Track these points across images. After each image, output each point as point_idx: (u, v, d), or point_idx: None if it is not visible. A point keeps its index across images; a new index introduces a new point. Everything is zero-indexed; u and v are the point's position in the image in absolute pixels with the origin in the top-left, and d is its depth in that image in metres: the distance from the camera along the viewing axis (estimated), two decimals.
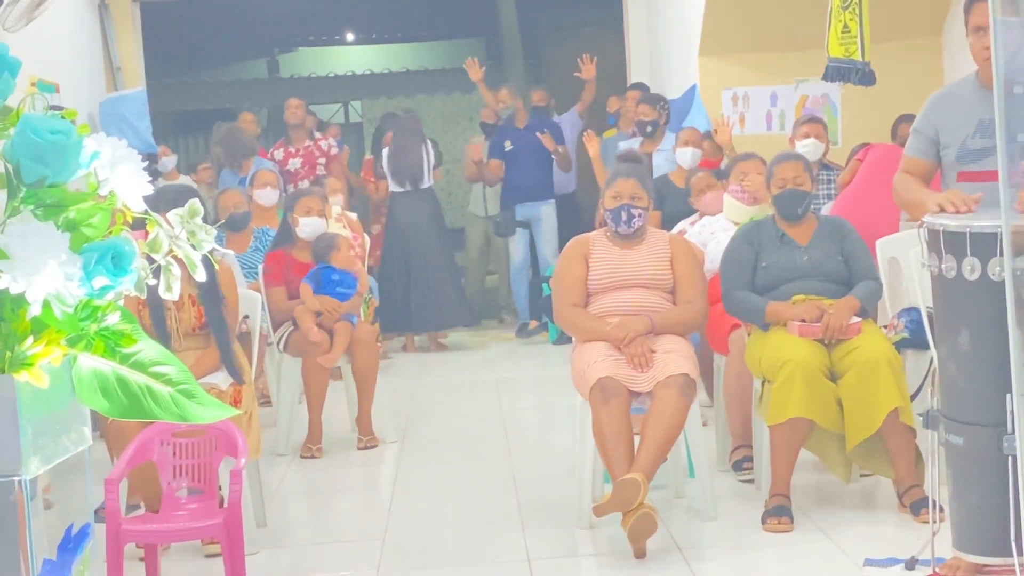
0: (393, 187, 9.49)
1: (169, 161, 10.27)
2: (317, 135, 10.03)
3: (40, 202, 1.73)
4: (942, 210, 4.03)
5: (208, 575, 4.65)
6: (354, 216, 8.62)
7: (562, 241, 6.25)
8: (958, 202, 4.04)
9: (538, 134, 9.77)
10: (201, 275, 1.91)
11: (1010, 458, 3.68)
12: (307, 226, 6.76)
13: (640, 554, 4.55)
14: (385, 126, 10.55)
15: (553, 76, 13.21)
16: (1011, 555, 3.73)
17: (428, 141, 9.64)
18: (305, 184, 9.38)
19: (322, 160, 9.78)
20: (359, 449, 6.59)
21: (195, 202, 1.88)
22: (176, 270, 1.91)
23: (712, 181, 6.75)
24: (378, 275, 9.54)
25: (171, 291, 1.89)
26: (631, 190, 5.18)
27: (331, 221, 8.14)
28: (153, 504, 4.69)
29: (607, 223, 5.27)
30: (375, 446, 6.60)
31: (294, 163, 9.74)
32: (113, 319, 1.79)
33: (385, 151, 9.62)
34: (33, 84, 7.53)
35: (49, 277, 1.68)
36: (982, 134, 4.28)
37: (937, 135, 4.45)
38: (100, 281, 1.75)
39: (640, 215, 5.18)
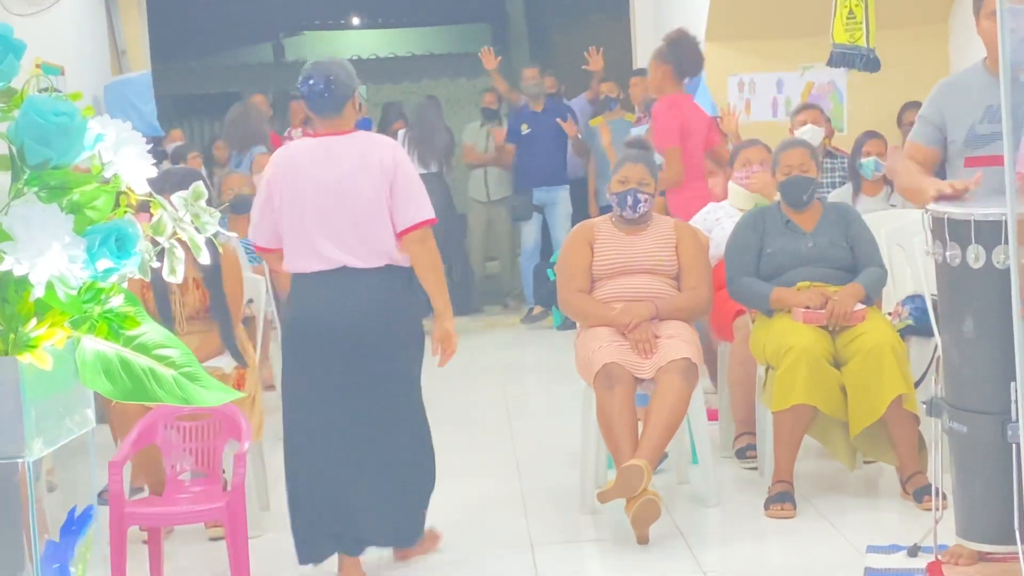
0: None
1: (181, 147, 10.27)
2: None
3: (44, 184, 1.73)
4: (942, 196, 4.02)
5: (211, 558, 4.66)
6: None
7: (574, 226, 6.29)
8: (957, 184, 4.04)
9: (559, 120, 9.76)
10: (205, 258, 1.91)
11: (1013, 446, 3.68)
12: None
13: (643, 540, 4.56)
14: (391, 113, 10.57)
15: (559, 62, 13.18)
16: (1014, 543, 3.74)
17: (446, 127, 9.66)
18: None
19: None
20: None
21: (199, 184, 1.88)
22: (180, 253, 1.91)
23: (711, 168, 6.73)
24: None
25: (175, 274, 1.90)
26: (639, 175, 5.18)
27: None
28: (157, 487, 4.70)
29: (613, 207, 5.26)
30: None
31: None
32: (117, 301, 1.79)
33: (401, 133, 9.60)
34: (38, 66, 7.52)
35: (53, 259, 1.68)
36: (990, 119, 4.27)
37: (944, 122, 4.44)
38: (104, 263, 1.75)
39: (647, 200, 5.18)
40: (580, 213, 9.57)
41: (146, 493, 4.87)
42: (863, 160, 6.69)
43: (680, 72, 6.94)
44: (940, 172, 4.93)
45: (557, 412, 6.88)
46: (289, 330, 4.42)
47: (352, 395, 4.27)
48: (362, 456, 4.28)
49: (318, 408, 4.28)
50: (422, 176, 9.12)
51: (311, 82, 4.36)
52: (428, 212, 4.35)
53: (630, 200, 5.16)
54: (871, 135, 6.77)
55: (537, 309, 9.88)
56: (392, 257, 4.31)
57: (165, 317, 5.00)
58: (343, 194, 4.28)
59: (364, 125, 10.42)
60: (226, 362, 5.09)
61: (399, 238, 4.30)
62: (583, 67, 10.30)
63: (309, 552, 4.35)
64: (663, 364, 4.81)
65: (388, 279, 4.31)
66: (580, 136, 9.90)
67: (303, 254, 4.31)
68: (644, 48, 10.77)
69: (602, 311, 5.05)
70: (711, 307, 5.32)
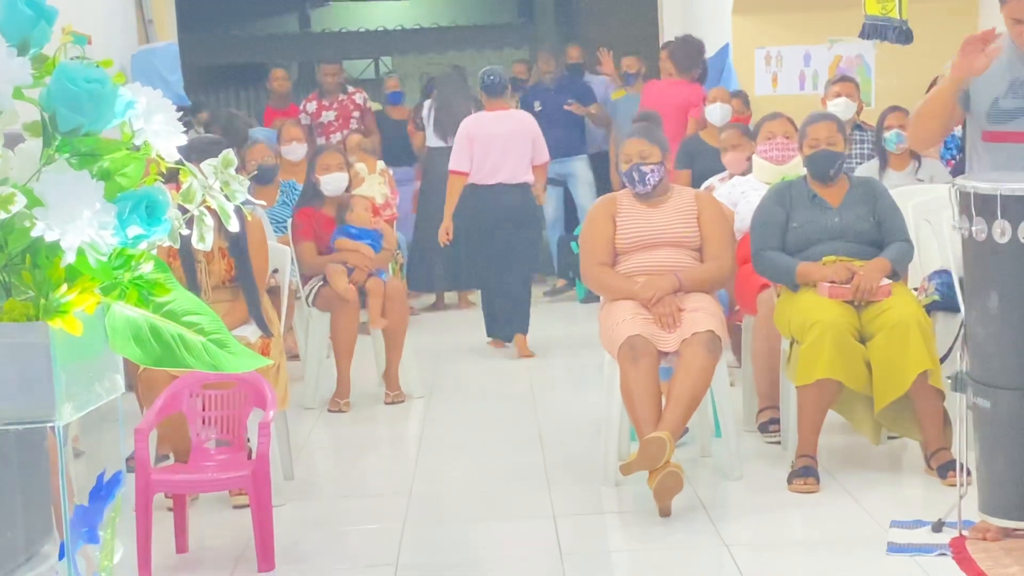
0: (433, 141, 9.44)
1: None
2: (350, 89, 10.05)
3: (75, 151, 1.74)
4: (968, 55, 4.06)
5: (235, 526, 4.69)
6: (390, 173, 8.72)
7: (599, 196, 6.38)
8: (976, 41, 4.09)
9: (566, 105, 9.86)
10: (234, 225, 1.92)
11: None
12: (328, 183, 6.78)
13: (665, 512, 4.57)
14: (430, 85, 10.57)
15: (586, 32, 13.14)
16: None
17: (474, 99, 9.61)
18: (338, 136, 9.43)
19: (356, 113, 9.80)
20: (386, 404, 6.62)
21: (229, 152, 1.88)
22: (209, 220, 1.91)
23: (739, 140, 6.71)
24: (414, 229, 9.55)
25: (204, 241, 1.90)
26: (638, 149, 5.17)
27: (375, 175, 8.21)
28: (182, 455, 4.73)
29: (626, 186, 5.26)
30: (402, 401, 6.63)
31: (327, 115, 9.77)
32: (147, 268, 1.80)
33: (427, 103, 9.60)
34: (68, 33, 7.55)
35: (83, 225, 1.69)
36: (1015, 94, 4.25)
37: (968, 87, 4.41)
38: (134, 230, 1.76)
39: (653, 171, 5.14)
40: (603, 186, 9.57)
41: (171, 461, 4.90)
42: (886, 134, 6.67)
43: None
44: (958, 145, 4.91)
45: (580, 384, 6.89)
46: (472, 215, 7.72)
47: (506, 247, 7.72)
48: (510, 279, 7.77)
49: (493, 253, 7.75)
50: (441, 149, 9.28)
51: (492, 77, 7.88)
52: (548, 155, 7.95)
53: (636, 176, 5.15)
54: (894, 108, 6.75)
55: (561, 282, 9.89)
56: (526, 178, 7.76)
57: (191, 286, 5.02)
58: (508, 143, 7.71)
59: (394, 99, 10.47)
60: (251, 331, 5.12)
61: (533, 169, 7.80)
62: (598, 67, 10.33)
63: (493, 332, 7.94)
64: (687, 336, 4.81)
65: (522, 189, 7.78)
66: (592, 111, 10.01)
67: (484, 174, 7.70)
68: (671, 21, 10.75)
69: (625, 284, 5.04)
70: (734, 277, 5.30)
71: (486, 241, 7.78)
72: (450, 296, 9.81)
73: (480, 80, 7.99)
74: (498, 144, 7.70)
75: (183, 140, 1.86)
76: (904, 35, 6.98)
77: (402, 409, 6.56)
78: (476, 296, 9.84)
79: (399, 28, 16.92)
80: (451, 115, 9.30)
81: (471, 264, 8.05)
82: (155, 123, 1.80)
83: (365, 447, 6.02)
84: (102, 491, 1.96)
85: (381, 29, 17.12)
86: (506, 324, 7.89)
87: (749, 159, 6.33)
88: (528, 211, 7.87)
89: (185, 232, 1.90)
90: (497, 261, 7.77)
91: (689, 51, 8.82)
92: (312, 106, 9.86)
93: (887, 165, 6.69)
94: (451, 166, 7.79)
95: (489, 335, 7.97)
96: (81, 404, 1.83)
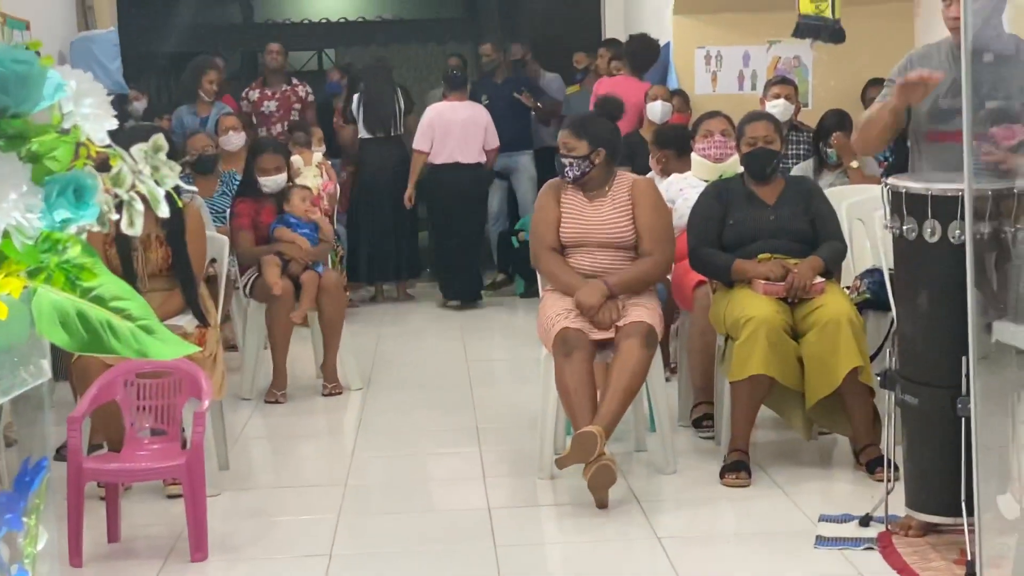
0: (364, 133, 9.45)
1: (140, 105, 10.21)
2: (295, 81, 10.00)
3: (2, 133, 1.72)
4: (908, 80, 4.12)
5: (169, 515, 4.67)
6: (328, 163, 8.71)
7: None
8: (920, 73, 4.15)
9: (516, 94, 9.92)
10: (164, 211, 1.90)
11: (963, 420, 3.73)
12: (267, 185, 6.76)
13: (602, 504, 4.60)
14: (359, 75, 10.52)
15: (529, 29, 13.13)
16: (961, 515, 3.79)
17: (399, 89, 9.63)
18: (278, 128, 9.40)
19: (297, 106, 9.75)
20: (323, 396, 6.61)
21: (159, 137, 1.87)
22: (139, 205, 1.90)
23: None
24: (347, 223, 9.53)
25: (134, 226, 1.88)
26: (563, 141, 5.20)
27: (311, 167, 8.19)
28: (116, 444, 4.69)
29: None
30: (339, 393, 6.62)
31: (269, 105, 9.71)
32: (74, 252, 1.78)
33: (355, 96, 9.59)
34: (3, 22, 7.45)
35: (9, 208, 1.67)
36: (954, 94, 4.32)
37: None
38: (61, 214, 1.74)
39: (572, 164, 5.13)
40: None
41: (105, 450, 4.86)
42: (828, 149, 6.73)
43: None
44: (903, 147, 4.98)
45: (518, 378, 6.91)
46: (432, 188, 9.24)
47: (461, 213, 9.23)
48: (466, 239, 9.31)
49: (448, 220, 9.24)
50: (370, 140, 9.49)
51: (454, 72, 9.54)
52: (498, 142, 9.29)
53: (559, 166, 5.19)
54: (838, 123, 6.77)
55: (501, 276, 9.91)
56: (479, 159, 9.18)
57: (128, 274, 4.98)
58: (464, 129, 9.11)
59: (333, 88, 10.42)
60: (188, 321, 5.09)
61: (486, 152, 9.22)
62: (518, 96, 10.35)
63: (448, 295, 9.36)
64: (623, 325, 4.83)
65: (476, 169, 9.23)
66: (540, 106, 10.07)
67: (443, 155, 9.07)
68: (614, 19, 10.79)
69: (566, 277, 5.04)
70: (669, 269, 5.27)
71: (444, 211, 9.17)
72: (389, 288, 9.80)
73: (444, 75, 9.74)
74: (455, 129, 9.05)
75: (114, 124, 1.84)
76: (837, 34, 7.07)
77: (339, 401, 6.55)
78: (415, 288, 9.86)
79: (343, 20, 16.84)
80: (379, 108, 9.33)
81: (432, 230, 9.52)
82: (85, 106, 1.79)
83: (301, 438, 6.01)
84: (26, 476, 1.95)
85: (325, 21, 17.03)
86: (461, 287, 9.28)
87: (660, 163, 6.51)
88: (480, 187, 9.38)
89: (115, 217, 1.89)
90: (453, 228, 9.20)
91: (646, 51, 9.00)
92: (255, 95, 9.80)
93: (823, 165, 6.76)
94: (415, 146, 9.18)
95: (445, 297, 9.36)
96: (5, 389, 1.82)
